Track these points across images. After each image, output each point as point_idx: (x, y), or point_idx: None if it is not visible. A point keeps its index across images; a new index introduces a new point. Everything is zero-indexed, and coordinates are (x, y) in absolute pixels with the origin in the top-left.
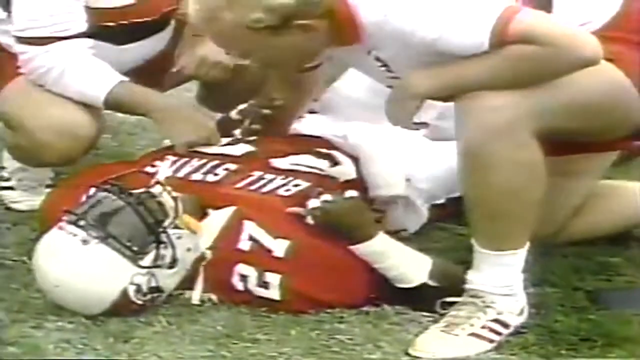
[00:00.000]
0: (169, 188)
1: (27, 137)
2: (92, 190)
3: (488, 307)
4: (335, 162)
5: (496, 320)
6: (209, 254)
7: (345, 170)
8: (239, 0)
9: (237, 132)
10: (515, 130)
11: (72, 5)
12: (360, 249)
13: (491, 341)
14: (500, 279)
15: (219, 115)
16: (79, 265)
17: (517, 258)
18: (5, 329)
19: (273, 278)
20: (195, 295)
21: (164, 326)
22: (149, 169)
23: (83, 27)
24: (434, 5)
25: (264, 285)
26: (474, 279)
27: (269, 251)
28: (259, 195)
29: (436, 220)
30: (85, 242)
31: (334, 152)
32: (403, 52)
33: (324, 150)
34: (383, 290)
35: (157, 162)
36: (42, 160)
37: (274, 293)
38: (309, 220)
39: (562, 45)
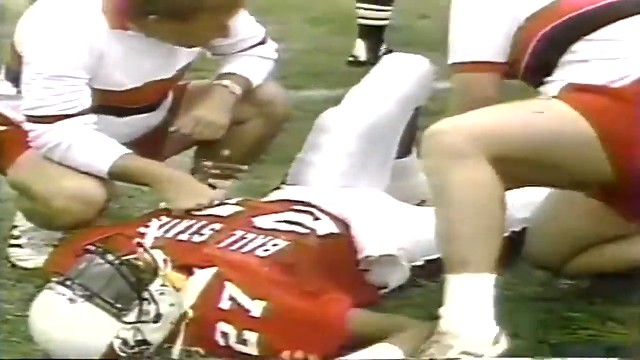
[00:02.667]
0: (154, 250)
1: (43, 204)
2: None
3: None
4: (316, 218)
5: (465, 353)
6: (191, 312)
7: (325, 225)
8: None
9: None
10: (467, 154)
11: (78, 86)
12: None
13: None
14: (465, 307)
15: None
16: (68, 322)
17: (480, 282)
18: None
19: (251, 336)
20: (176, 350)
21: None
22: (142, 230)
23: (88, 104)
24: None
25: (243, 342)
26: (442, 312)
27: (247, 311)
28: (239, 256)
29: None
30: (72, 300)
31: (314, 210)
32: None
33: (305, 208)
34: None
35: (150, 223)
36: (57, 225)
37: (252, 350)
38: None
39: None
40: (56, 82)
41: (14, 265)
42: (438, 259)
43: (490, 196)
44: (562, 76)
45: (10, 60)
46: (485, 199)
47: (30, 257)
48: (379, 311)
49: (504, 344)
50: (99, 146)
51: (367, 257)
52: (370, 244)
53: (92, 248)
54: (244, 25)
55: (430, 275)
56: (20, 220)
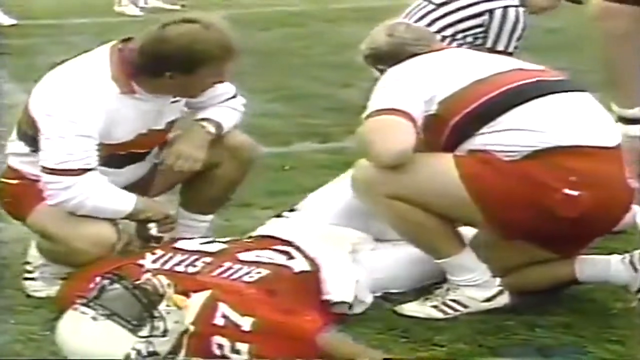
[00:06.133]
0: (159, 276)
1: (65, 247)
2: (98, 279)
3: (449, 291)
4: (290, 257)
5: (454, 300)
6: (192, 328)
7: (299, 263)
8: None
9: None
10: (370, 189)
11: (95, 144)
12: None
13: (445, 313)
14: (453, 275)
15: None
16: (92, 336)
17: (457, 260)
18: None
19: (243, 347)
20: (179, 358)
21: None
22: (140, 261)
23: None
24: None
25: (236, 352)
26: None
27: (239, 326)
28: (229, 282)
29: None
30: (94, 319)
31: (290, 249)
32: None
33: (282, 248)
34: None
35: (147, 255)
36: (76, 262)
37: (244, 358)
38: None
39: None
40: (84, 140)
41: (28, 295)
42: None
43: (397, 216)
44: (475, 142)
45: (24, 123)
46: (396, 219)
47: (42, 288)
48: (341, 324)
49: (497, 302)
50: (116, 194)
51: (329, 300)
52: (333, 289)
53: (109, 275)
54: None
55: (382, 296)
56: (32, 257)
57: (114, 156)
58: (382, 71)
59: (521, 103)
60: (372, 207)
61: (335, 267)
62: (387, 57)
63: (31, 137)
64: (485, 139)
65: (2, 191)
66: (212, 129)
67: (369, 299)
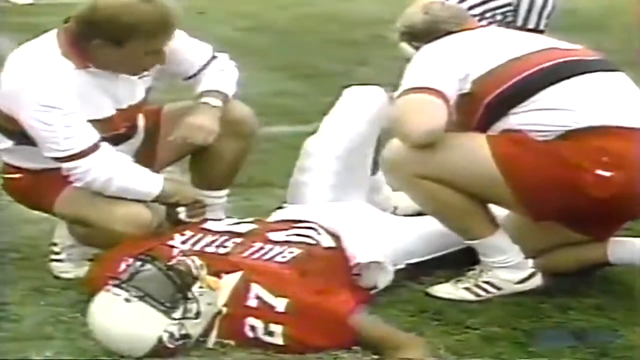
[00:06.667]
0: (193, 257)
1: (103, 231)
2: (131, 260)
3: (482, 272)
4: (318, 233)
5: (487, 282)
6: (224, 310)
7: (326, 238)
8: None
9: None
10: (400, 169)
11: (82, 117)
12: None
13: (477, 295)
14: (486, 257)
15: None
16: (124, 318)
17: (490, 242)
18: None
19: (277, 328)
20: (210, 340)
21: None
22: (170, 242)
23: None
24: None
25: (270, 333)
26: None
27: (272, 307)
28: (262, 262)
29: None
30: (127, 300)
31: (314, 225)
32: None
33: (308, 225)
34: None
35: (175, 236)
36: (114, 244)
37: (278, 340)
38: None
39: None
40: (71, 119)
41: (56, 277)
42: (417, 262)
43: (428, 197)
44: (508, 122)
45: (1, 119)
46: (427, 198)
47: (70, 269)
48: (372, 307)
49: (530, 283)
50: (142, 174)
51: (358, 263)
52: (359, 252)
53: (142, 256)
54: (189, 46)
55: (411, 276)
56: (59, 238)
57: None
58: (417, 48)
59: (556, 82)
60: (403, 186)
61: (355, 234)
62: (423, 35)
63: (12, 132)
64: (519, 119)
65: (10, 188)
66: (217, 102)
67: (391, 268)
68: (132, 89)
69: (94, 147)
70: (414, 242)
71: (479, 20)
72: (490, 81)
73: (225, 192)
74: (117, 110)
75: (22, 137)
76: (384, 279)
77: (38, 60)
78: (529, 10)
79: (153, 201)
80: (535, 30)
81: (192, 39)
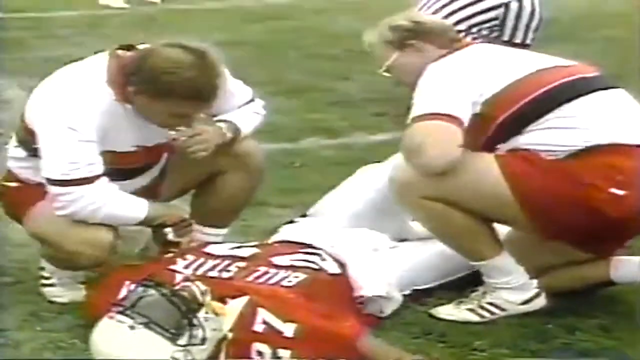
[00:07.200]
0: (197, 282)
1: (58, 250)
2: (133, 286)
3: (486, 294)
4: (323, 258)
5: (491, 304)
6: (230, 335)
7: (331, 264)
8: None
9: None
10: (408, 191)
11: (97, 149)
12: None
13: (482, 316)
14: (490, 278)
15: None
16: (129, 346)
17: (495, 263)
18: None
19: (285, 353)
20: None
21: None
22: (172, 267)
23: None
24: None
25: (278, 358)
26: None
27: (280, 332)
28: (267, 287)
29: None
30: (132, 327)
31: (319, 251)
32: None
33: (313, 250)
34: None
35: (178, 261)
36: (74, 266)
37: None
38: None
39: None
40: (86, 146)
41: (50, 302)
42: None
43: (433, 218)
44: (519, 141)
45: (21, 131)
46: (433, 221)
47: (63, 294)
48: (378, 328)
49: (533, 305)
50: (128, 200)
51: (362, 296)
52: (364, 284)
53: (145, 282)
54: (234, 90)
55: (416, 299)
56: (45, 263)
57: (114, 170)
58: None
59: (566, 101)
60: (410, 209)
61: (362, 264)
62: (432, 34)
63: (29, 143)
64: (530, 138)
65: (2, 195)
66: (227, 131)
67: (397, 295)
68: (165, 130)
69: (92, 179)
70: (421, 269)
71: (465, 36)
72: (501, 102)
73: (224, 231)
74: (143, 147)
75: (37, 150)
76: (390, 306)
77: (81, 81)
78: (516, 25)
79: (139, 224)
80: (522, 44)
81: (236, 80)
